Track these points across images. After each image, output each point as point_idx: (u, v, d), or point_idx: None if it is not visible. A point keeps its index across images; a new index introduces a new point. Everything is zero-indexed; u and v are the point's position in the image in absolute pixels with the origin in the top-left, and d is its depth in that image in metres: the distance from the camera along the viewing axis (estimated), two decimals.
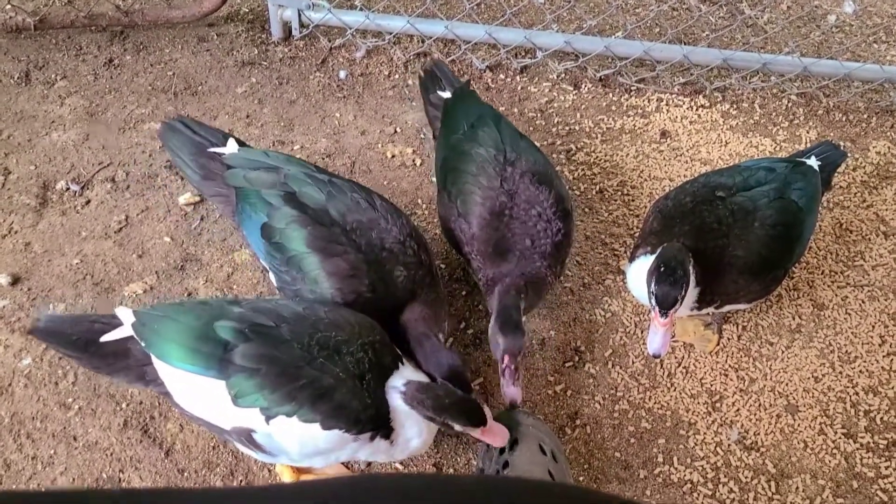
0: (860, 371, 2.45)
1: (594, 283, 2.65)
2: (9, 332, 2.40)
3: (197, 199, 2.76)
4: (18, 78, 3.17)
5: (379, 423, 1.83)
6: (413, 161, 3.00)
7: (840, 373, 2.44)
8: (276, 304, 1.95)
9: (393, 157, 3.01)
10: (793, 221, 2.25)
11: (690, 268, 2.03)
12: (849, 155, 2.99)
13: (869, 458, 2.27)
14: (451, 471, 2.20)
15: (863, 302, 2.62)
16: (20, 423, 2.22)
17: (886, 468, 2.25)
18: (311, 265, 2.06)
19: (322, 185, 2.17)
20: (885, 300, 2.62)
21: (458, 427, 1.86)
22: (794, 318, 2.57)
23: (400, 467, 2.19)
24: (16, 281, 2.53)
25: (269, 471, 2.17)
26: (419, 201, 2.87)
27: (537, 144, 2.64)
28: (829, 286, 2.66)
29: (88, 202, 2.78)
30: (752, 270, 2.16)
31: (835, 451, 2.28)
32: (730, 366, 2.45)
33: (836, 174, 2.69)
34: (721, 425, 2.32)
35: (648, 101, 3.27)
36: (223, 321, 1.83)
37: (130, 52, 3.32)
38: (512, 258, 2.22)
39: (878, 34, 3.64)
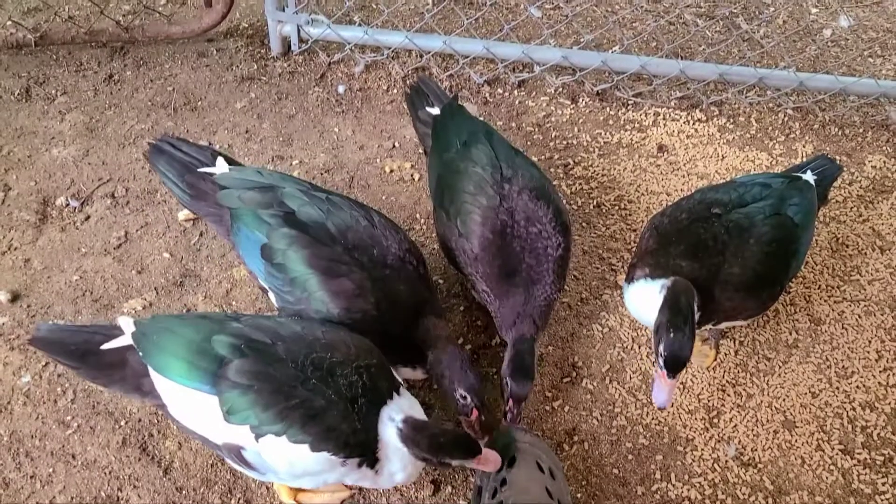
0: (857, 386, 2.45)
1: (592, 297, 2.66)
2: (8, 350, 2.41)
3: (196, 215, 2.77)
4: (19, 94, 3.19)
5: (366, 450, 1.83)
6: (411, 176, 3.01)
7: (837, 388, 2.45)
8: (276, 321, 1.95)
9: (391, 171, 3.03)
10: (789, 238, 2.26)
11: (696, 307, 2.06)
12: (845, 169, 3.01)
13: (866, 474, 2.27)
14: (450, 489, 2.20)
15: (859, 317, 2.63)
16: (19, 442, 2.22)
17: (883, 484, 2.25)
18: (314, 286, 2.06)
19: (320, 203, 2.18)
20: (882, 315, 2.63)
21: (454, 463, 1.86)
22: (791, 333, 2.58)
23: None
24: (15, 298, 2.54)
25: (268, 489, 2.18)
26: (417, 216, 2.88)
27: (534, 159, 2.66)
28: (825, 301, 2.67)
29: (88, 218, 2.79)
30: (748, 288, 2.17)
31: (832, 467, 2.29)
32: (727, 381, 2.46)
33: (832, 188, 2.71)
34: (718, 441, 2.33)
35: (645, 116, 3.28)
36: (221, 336, 1.84)
37: (130, 67, 3.34)
38: (519, 280, 2.23)
39: (873, 48, 3.66)
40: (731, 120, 3.29)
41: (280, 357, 1.82)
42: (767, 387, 2.45)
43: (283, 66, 3.41)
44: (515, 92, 3.36)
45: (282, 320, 1.98)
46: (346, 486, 2.12)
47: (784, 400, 2.42)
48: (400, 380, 1.99)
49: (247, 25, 3.59)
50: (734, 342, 2.55)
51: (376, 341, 2.03)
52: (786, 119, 3.30)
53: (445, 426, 1.89)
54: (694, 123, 3.26)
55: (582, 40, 3.48)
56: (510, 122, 3.24)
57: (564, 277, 2.34)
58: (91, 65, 3.34)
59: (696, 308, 2.08)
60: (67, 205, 2.82)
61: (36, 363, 2.38)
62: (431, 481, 2.21)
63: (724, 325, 2.31)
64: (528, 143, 3.16)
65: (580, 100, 3.34)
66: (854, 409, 2.41)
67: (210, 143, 3.07)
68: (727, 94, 3.34)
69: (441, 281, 2.68)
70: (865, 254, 2.82)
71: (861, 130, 3.28)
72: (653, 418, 2.37)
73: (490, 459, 1.91)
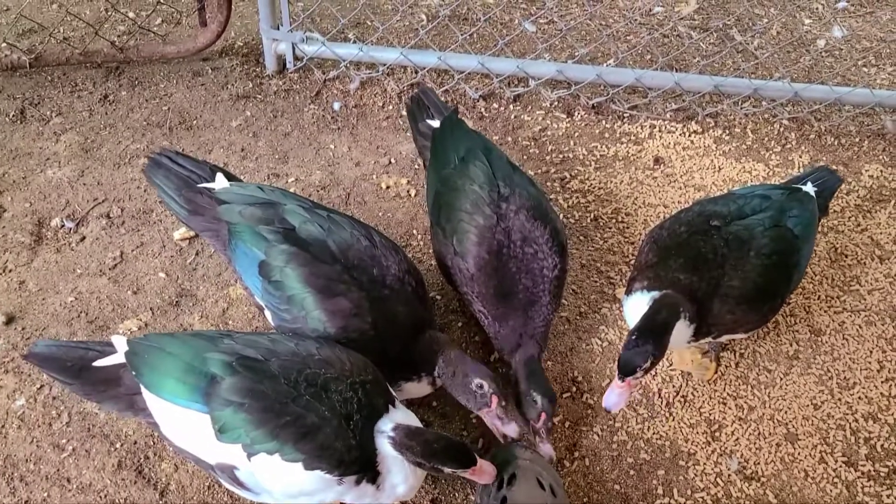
0: (859, 397, 2.43)
1: (591, 311, 2.65)
2: (2, 373, 2.39)
3: (192, 234, 2.76)
4: (14, 115, 3.19)
5: (365, 466, 1.80)
6: (408, 192, 3.00)
7: (839, 399, 2.43)
8: (270, 338, 1.94)
9: (388, 188, 3.02)
10: (789, 250, 2.24)
11: (682, 320, 2.05)
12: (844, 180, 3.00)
13: (870, 486, 2.25)
14: None
15: (860, 327, 2.61)
16: (13, 466, 2.20)
17: (888, 497, 2.22)
18: (311, 304, 2.04)
19: (322, 221, 2.16)
20: (882, 325, 2.62)
21: (447, 470, 1.84)
22: (791, 345, 2.56)
23: None
24: (10, 320, 2.52)
25: None
26: (414, 232, 2.87)
27: (531, 174, 2.65)
28: (825, 311, 2.65)
29: (83, 239, 2.78)
30: (748, 300, 2.15)
31: (836, 479, 2.26)
32: (728, 394, 2.44)
33: (831, 200, 2.69)
34: (721, 455, 2.30)
35: (641, 128, 3.28)
36: (213, 353, 1.83)
37: (125, 87, 3.34)
38: (515, 301, 2.23)
39: (867, 58, 3.67)
40: (727, 131, 3.29)
41: (273, 374, 1.80)
42: (769, 399, 2.42)
43: (279, 83, 3.41)
44: (511, 106, 3.37)
45: (276, 337, 1.96)
46: None
47: (786, 412, 2.40)
48: (395, 394, 1.97)
49: (242, 44, 3.60)
50: (735, 354, 2.53)
51: (375, 360, 2.01)
52: (782, 129, 3.30)
53: (441, 433, 1.86)
54: (690, 135, 3.26)
55: (576, 54, 3.49)
56: (506, 136, 3.24)
57: (560, 298, 2.34)
58: (86, 85, 3.34)
59: (687, 321, 2.07)
60: (62, 226, 2.81)
61: (30, 386, 2.36)
62: (431, 500, 2.19)
63: (724, 339, 2.29)
64: (525, 157, 3.15)
65: (576, 113, 3.34)
66: (857, 420, 2.38)
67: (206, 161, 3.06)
68: (722, 105, 3.35)
69: (439, 297, 2.66)
70: (864, 263, 2.81)
71: (857, 140, 3.28)
72: (654, 433, 2.34)
73: (485, 470, 1.89)
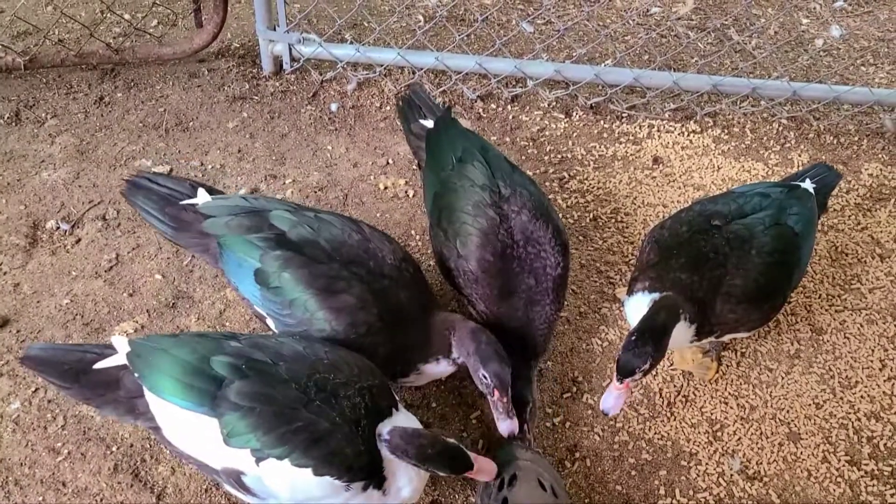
0: (861, 396, 2.42)
1: (590, 311, 2.63)
2: None
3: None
4: (8, 118, 3.16)
5: (371, 473, 1.79)
6: (406, 192, 2.99)
7: (841, 398, 2.41)
8: (276, 341, 1.91)
9: (385, 188, 3.00)
10: (790, 248, 2.23)
11: (682, 321, 2.04)
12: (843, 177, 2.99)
13: (874, 485, 2.23)
14: None
15: (861, 326, 2.60)
16: (8, 470, 2.17)
17: (892, 496, 2.20)
18: (314, 305, 2.02)
19: (310, 222, 2.14)
20: (884, 323, 2.60)
21: (442, 474, 1.82)
22: (792, 344, 2.54)
23: None
24: (4, 323, 2.49)
25: None
26: (412, 232, 2.85)
27: (529, 174, 2.63)
28: (826, 310, 2.64)
29: (79, 241, 2.75)
30: (750, 299, 2.14)
31: (839, 479, 2.24)
32: (730, 393, 2.42)
33: (831, 196, 2.68)
34: (723, 455, 2.29)
35: (640, 128, 3.27)
36: (219, 356, 1.80)
37: (121, 89, 3.32)
38: (518, 301, 2.21)
39: (865, 57, 3.66)
40: (726, 130, 3.28)
41: (283, 378, 1.78)
42: (771, 398, 2.41)
43: (275, 85, 3.39)
44: (509, 107, 3.35)
45: (282, 339, 1.94)
46: None
47: (788, 411, 2.38)
48: (398, 398, 1.95)
49: (238, 45, 3.58)
50: (736, 353, 2.51)
51: (387, 350, 2.00)
52: (780, 129, 3.29)
53: (437, 437, 1.83)
54: (689, 135, 3.25)
55: (574, 54, 3.48)
56: (504, 136, 3.23)
57: (563, 297, 2.32)
58: (81, 87, 3.32)
59: (688, 322, 2.07)
60: (58, 228, 2.78)
61: (25, 389, 2.33)
62: (431, 502, 2.16)
63: (726, 338, 2.27)
64: (523, 157, 3.14)
65: (574, 113, 3.33)
66: (859, 419, 2.37)
67: (202, 164, 3.05)
68: (721, 104, 3.34)
69: (438, 296, 2.64)
70: (865, 262, 2.80)
71: (856, 138, 3.27)
72: (655, 433, 2.32)
73: (485, 469, 1.87)
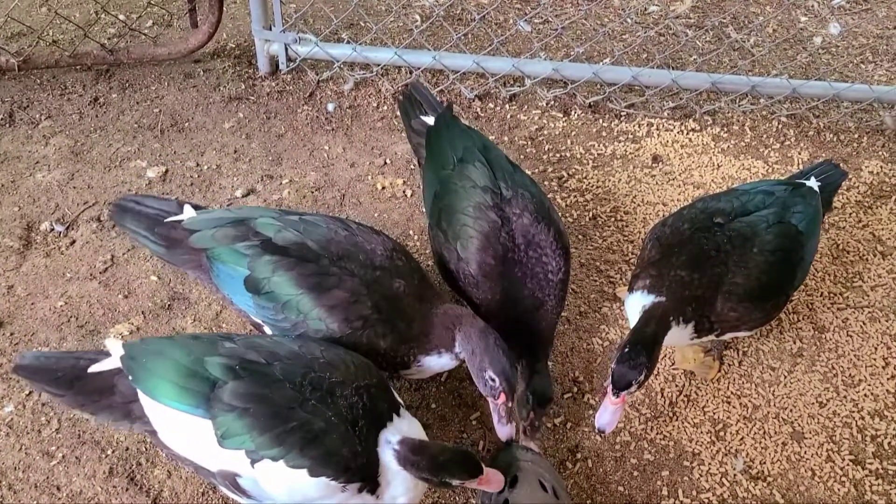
0: (865, 395, 2.39)
1: (591, 311, 2.60)
2: None
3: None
4: (2, 119, 3.14)
5: (367, 475, 1.75)
6: (403, 192, 2.96)
7: (845, 397, 2.39)
8: (272, 341, 1.89)
9: (383, 188, 2.98)
10: (793, 246, 2.20)
11: (675, 327, 2.02)
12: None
13: (878, 484, 2.20)
14: None
15: (864, 323, 2.57)
16: (1, 474, 2.14)
17: None
18: (308, 305, 1.99)
19: (295, 224, 2.12)
20: (887, 321, 2.58)
21: (455, 482, 1.79)
22: (795, 342, 2.52)
23: None
24: None
25: None
26: (410, 232, 2.83)
27: (528, 173, 2.61)
28: (828, 308, 2.62)
29: (73, 243, 2.72)
30: (752, 298, 2.11)
31: (843, 478, 2.22)
32: (732, 393, 2.40)
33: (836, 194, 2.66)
34: (726, 455, 2.26)
35: (639, 126, 3.25)
36: (213, 357, 1.77)
37: (116, 90, 3.30)
38: (520, 305, 2.18)
39: (864, 54, 3.65)
40: (726, 129, 3.26)
41: (277, 378, 1.76)
42: (774, 397, 2.38)
43: (272, 85, 3.37)
44: (507, 106, 3.33)
45: (278, 339, 1.92)
46: None
47: (791, 410, 2.36)
48: (400, 400, 1.92)
49: (234, 45, 3.56)
50: (738, 352, 2.49)
51: (388, 343, 1.98)
52: (780, 126, 3.28)
53: (445, 445, 1.81)
54: (688, 133, 3.23)
55: (572, 53, 3.46)
56: (502, 136, 3.21)
57: (564, 300, 2.29)
58: (76, 88, 3.29)
59: (682, 325, 2.05)
60: (52, 230, 2.75)
61: (19, 392, 2.30)
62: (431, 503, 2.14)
63: (727, 336, 2.25)
64: (522, 156, 3.11)
65: (572, 112, 3.31)
66: (863, 418, 2.34)
67: (198, 164, 3.02)
68: (720, 102, 3.32)
69: None
70: (867, 259, 2.78)
71: (856, 136, 3.25)
72: (657, 433, 2.30)
73: (492, 479, 1.84)
